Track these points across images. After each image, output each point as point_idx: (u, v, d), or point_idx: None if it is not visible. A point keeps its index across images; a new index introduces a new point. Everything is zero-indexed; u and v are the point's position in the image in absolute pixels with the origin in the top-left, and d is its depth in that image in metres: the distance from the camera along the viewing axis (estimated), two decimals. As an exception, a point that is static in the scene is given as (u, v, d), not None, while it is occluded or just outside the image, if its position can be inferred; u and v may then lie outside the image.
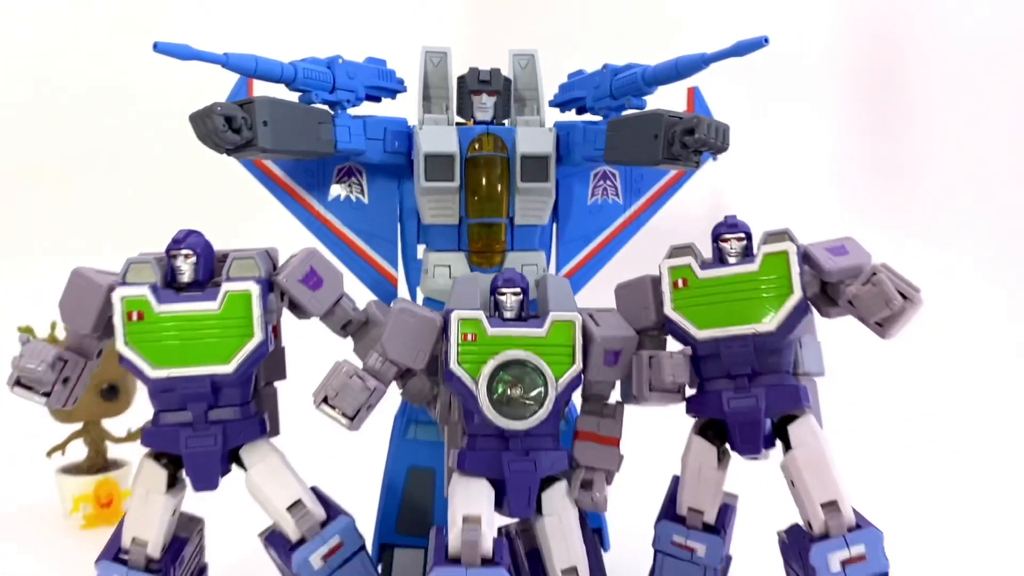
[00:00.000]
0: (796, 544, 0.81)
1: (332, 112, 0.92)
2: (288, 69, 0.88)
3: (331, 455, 1.25)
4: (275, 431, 0.91)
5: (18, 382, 0.82)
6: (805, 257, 0.82)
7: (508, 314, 0.82)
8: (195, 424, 0.81)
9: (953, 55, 2.04)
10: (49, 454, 1.39)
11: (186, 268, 0.82)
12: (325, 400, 0.80)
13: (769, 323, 0.80)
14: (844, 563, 0.76)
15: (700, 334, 0.82)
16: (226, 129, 0.78)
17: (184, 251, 0.82)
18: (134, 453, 1.39)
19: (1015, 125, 2.05)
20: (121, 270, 0.83)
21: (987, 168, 2.06)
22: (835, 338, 1.85)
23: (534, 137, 0.95)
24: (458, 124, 0.99)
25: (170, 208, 1.65)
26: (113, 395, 1.38)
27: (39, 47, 1.97)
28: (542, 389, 0.79)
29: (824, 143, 2.10)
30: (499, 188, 0.94)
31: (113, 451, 1.42)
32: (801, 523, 0.81)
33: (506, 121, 1.00)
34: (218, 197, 1.50)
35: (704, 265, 0.84)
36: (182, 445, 0.81)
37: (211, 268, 0.84)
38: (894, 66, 2.07)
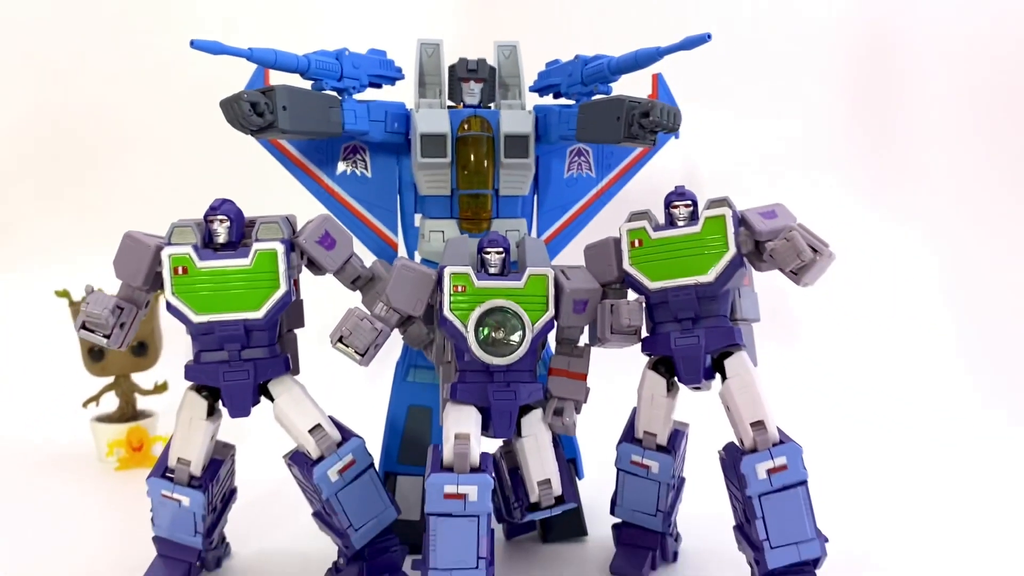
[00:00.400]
0: (732, 458, 0.97)
1: (340, 98, 1.06)
2: (302, 61, 1.01)
3: (340, 398, 1.40)
4: (296, 371, 1.05)
5: (83, 326, 0.96)
6: (741, 220, 0.97)
7: (492, 270, 0.97)
8: (231, 361, 0.95)
9: (954, 35, 2.07)
10: (85, 404, 1.55)
11: (222, 231, 0.96)
12: (340, 340, 0.96)
13: (709, 275, 0.95)
14: (769, 472, 0.91)
15: (652, 285, 0.97)
16: (251, 113, 0.91)
17: (220, 216, 0.96)
18: (161, 404, 1.55)
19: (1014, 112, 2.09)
20: (167, 233, 0.96)
21: (983, 155, 2.10)
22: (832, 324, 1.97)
23: (516, 119, 1.08)
24: (449, 107, 1.13)
25: (197, 182, 1.80)
26: (143, 351, 1.53)
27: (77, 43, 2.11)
28: (521, 332, 0.93)
29: (797, 119, 2.17)
30: (485, 163, 1.07)
31: (141, 403, 1.57)
32: (736, 441, 0.97)
33: (492, 105, 1.14)
34: (239, 172, 1.63)
35: (656, 227, 0.99)
36: (220, 379, 0.95)
37: (241, 231, 0.99)
38: (887, 41, 2.08)
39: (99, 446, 1.51)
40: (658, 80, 1.25)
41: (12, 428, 1.69)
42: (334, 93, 1.06)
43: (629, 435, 1.04)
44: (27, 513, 1.29)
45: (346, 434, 1.00)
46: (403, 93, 1.16)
